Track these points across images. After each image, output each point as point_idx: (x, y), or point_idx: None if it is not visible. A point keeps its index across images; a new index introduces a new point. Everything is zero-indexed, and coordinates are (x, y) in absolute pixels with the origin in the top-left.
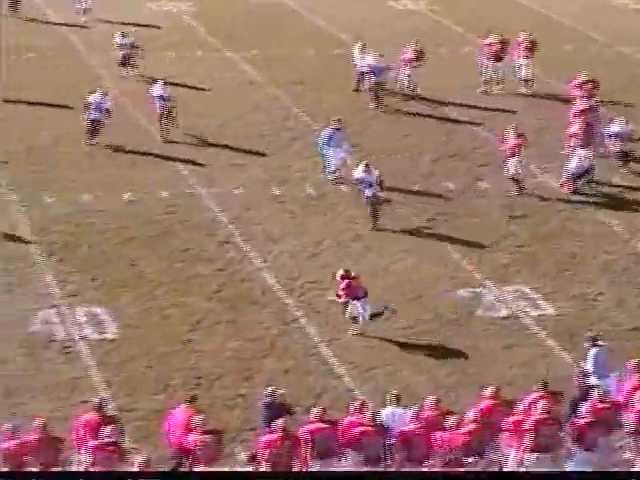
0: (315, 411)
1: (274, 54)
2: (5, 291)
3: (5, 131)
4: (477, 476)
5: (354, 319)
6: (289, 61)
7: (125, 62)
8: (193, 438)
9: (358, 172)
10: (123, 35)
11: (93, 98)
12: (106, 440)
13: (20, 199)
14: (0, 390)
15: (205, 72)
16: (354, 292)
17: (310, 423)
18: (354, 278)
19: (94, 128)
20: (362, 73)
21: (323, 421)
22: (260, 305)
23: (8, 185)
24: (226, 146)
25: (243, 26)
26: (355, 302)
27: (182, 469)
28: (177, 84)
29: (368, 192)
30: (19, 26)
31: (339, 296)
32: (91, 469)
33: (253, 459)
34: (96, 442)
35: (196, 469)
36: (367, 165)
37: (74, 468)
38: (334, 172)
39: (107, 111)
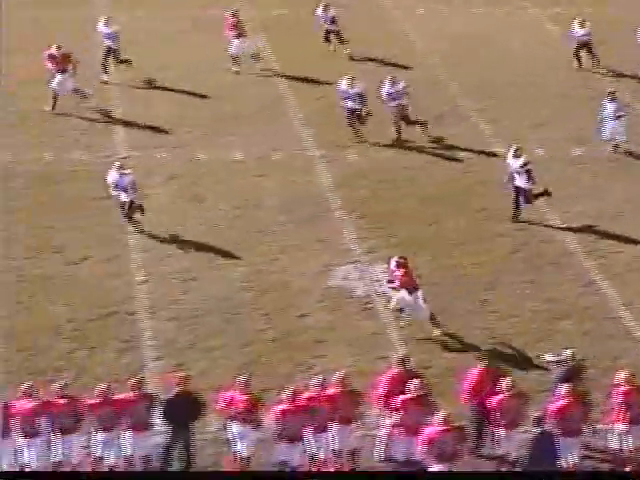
0: (622, 375)
1: (578, 11)
2: (307, 245)
3: (303, 91)
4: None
5: (400, 311)
6: (594, 19)
7: (328, 38)
8: (498, 399)
9: (509, 157)
10: (324, 8)
11: (341, 86)
12: (414, 394)
13: (323, 155)
14: (299, 343)
15: (506, 30)
16: (410, 282)
17: (618, 386)
18: (408, 267)
19: (355, 117)
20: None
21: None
22: (559, 266)
23: (313, 142)
24: (525, 105)
25: None
26: (406, 293)
27: (484, 430)
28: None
29: (519, 182)
30: None
31: (391, 282)
32: (398, 425)
33: (539, 422)
34: (405, 396)
35: (497, 431)
36: (517, 150)
37: (371, 424)
38: (609, 141)
39: (359, 96)
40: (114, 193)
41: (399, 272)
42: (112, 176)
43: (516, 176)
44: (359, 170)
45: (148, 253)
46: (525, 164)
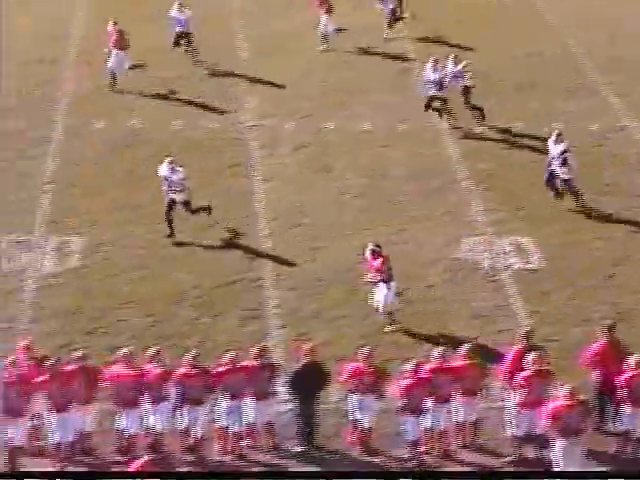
0: None
1: None
2: (434, 216)
3: None
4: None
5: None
6: None
7: (392, 22)
8: (627, 376)
9: (550, 142)
10: None
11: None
12: (533, 368)
13: (450, 127)
14: (423, 314)
15: (633, 6)
16: (387, 272)
17: None
18: (384, 256)
19: (443, 103)
20: None
21: None
22: None
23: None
24: None
25: None
26: (383, 285)
27: (607, 406)
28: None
29: (553, 167)
30: None
31: (375, 282)
32: (522, 401)
33: None
34: (527, 372)
35: (622, 408)
36: (559, 135)
37: (495, 396)
38: None
39: (439, 82)
40: (164, 188)
41: (377, 262)
42: (163, 170)
43: (553, 161)
44: (485, 143)
45: (274, 222)
46: (564, 152)
